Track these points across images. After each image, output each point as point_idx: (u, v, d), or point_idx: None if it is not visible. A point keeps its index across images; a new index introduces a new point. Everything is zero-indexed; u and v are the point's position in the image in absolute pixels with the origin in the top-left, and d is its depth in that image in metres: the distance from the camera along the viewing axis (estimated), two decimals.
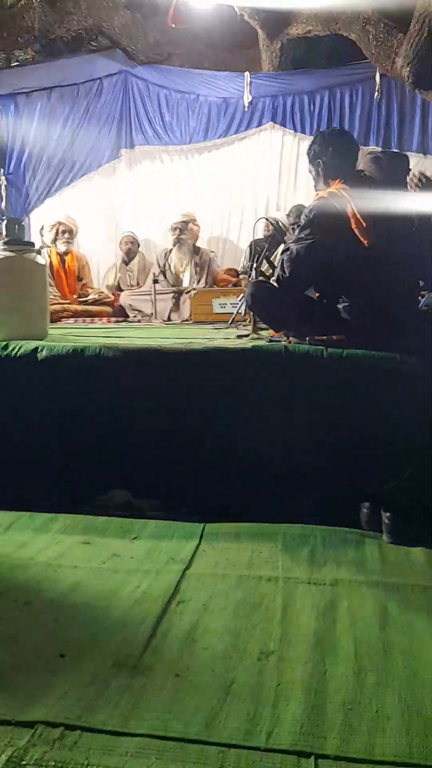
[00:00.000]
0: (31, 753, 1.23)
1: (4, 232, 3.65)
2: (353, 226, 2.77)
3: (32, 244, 3.45)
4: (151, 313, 5.66)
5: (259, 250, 4.03)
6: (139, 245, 6.63)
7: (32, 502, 2.74)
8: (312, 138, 3.08)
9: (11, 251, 3.25)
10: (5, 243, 3.31)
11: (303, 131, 6.22)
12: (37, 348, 2.91)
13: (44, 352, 2.89)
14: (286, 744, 1.27)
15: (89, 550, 2.29)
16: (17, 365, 2.90)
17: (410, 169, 3.28)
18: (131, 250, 6.57)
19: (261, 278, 3.62)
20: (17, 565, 2.15)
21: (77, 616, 1.79)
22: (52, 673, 1.51)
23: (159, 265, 6.20)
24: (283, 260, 2.90)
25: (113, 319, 5.77)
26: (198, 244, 6.32)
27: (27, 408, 2.90)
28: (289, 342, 2.91)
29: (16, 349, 2.93)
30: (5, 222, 3.54)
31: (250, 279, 3.60)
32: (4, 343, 2.96)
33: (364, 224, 2.76)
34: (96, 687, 1.45)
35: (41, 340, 3.10)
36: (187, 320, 5.53)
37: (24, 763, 1.21)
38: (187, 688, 1.45)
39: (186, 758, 1.23)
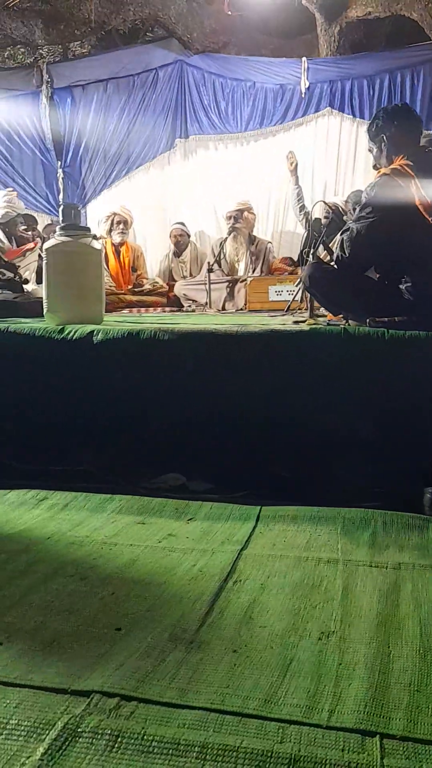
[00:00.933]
0: (87, 721, 1.21)
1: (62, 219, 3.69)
2: (417, 203, 2.68)
3: (88, 229, 3.46)
4: (206, 303, 5.64)
5: (316, 235, 3.94)
6: (189, 236, 6.61)
7: (87, 483, 2.74)
8: (374, 116, 3.00)
9: (68, 236, 3.27)
10: (62, 228, 3.33)
11: (362, 116, 6.08)
12: (93, 331, 2.91)
13: (100, 336, 2.89)
14: (350, 723, 1.21)
15: (144, 529, 2.27)
16: (73, 349, 2.91)
17: None
18: (180, 242, 6.56)
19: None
20: (73, 542, 2.14)
21: (133, 591, 1.76)
22: (109, 644, 1.48)
23: (214, 255, 6.17)
24: (342, 240, 2.83)
25: (167, 309, 5.77)
26: (254, 232, 6.26)
27: (83, 391, 2.91)
28: (349, 325, 2.83)
29: (72, 333, 2.94)
30: (62, 207, 3.56)
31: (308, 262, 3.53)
32: (61, 327, 2.98)
33: (429, 201, 2.66)
34: (152, 660, 1.42)
35: (97, 324, 3.10)
36: (242, 309, 5.49)
37: (80, 730, 1.18)
38: (245, 664, 1.41)
39: (245, 733, 1.18)
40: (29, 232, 5.57)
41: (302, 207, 6.05)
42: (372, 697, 1.29)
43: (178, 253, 6.60)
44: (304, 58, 6.23)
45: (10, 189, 5.84)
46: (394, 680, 1.35)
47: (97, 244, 3.33)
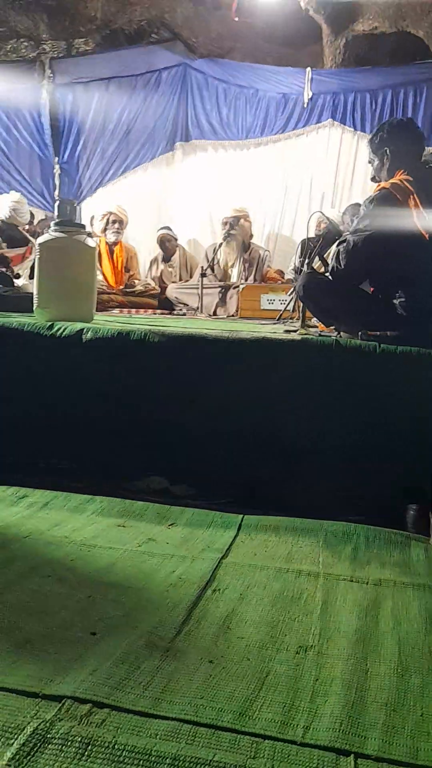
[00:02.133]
0: (57, 727, 1.18)
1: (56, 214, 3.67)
2: (415, 218, 2.68)
3: (83, 226, 3.44)
4: (197, 307, 5.62)
5: (312, 247, 3.94)
6: (176, 240, 6.59)
7: (68, 482, 2.71)
8: (376, 128, 3.00)
9: (62, 232, 3.24)
10: (56, 224, 3.30)
11: (363, 129, 6.10)
12: (82, 330, 2.88)
13: (89, 334, 2.86)
14: (325, 740, 1.19)
15: (125, 532, 2.25)
16: (62, 346, 2.88)
17: None
18: (167, 246, 6.54)
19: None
20: (51, 542, 2.11)
21: (110, 595, 1.74)
22: (83, 649, 1.46)
23: (208, 259, 6.15)
24: (339, 251, 2.82)
25: (158, 311, 5.74)
26: (250, 240, 6.25)
27: (69, 389, 2.88)
28: (340, 337, 2.83)
29: (61, 330, 2.91)
30: (58, 203, 3.54)
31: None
32: (50, 323, 2.95)
33: (427, 217, 2.67)
34: (127, 666, 1.39)
35: (87, 322, 3.08)
36: (233, 316, 5.47)
37: (49, 737, 1.15)
38: (221, 675, 1.39)
39: (218, 746, 1.16)
40: (27, 226, 5.55)
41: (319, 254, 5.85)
42: (348, 715, 1.27)
43: (167, 258, 6.58)
44: (308, 69, 6.24)
45: (20, 194, 5.81)
46: (370, 698, 1.33)
47: (91, 242, 3.30)
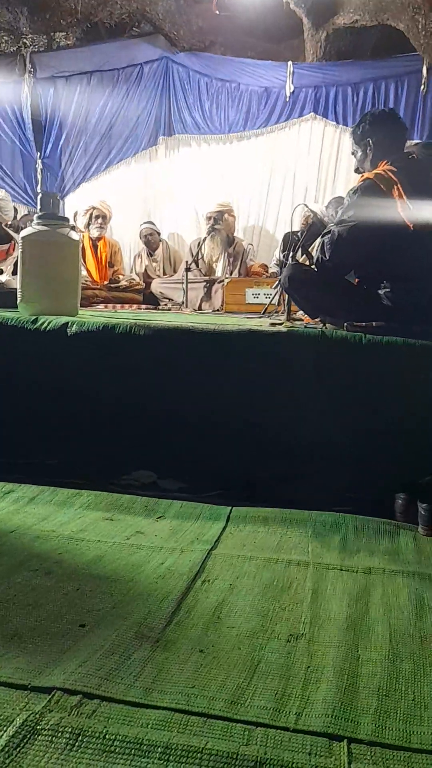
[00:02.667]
0: (47, 718, 1.17)
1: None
2: (399, 208, 2.68)
3: (66, 219, 3.40)
4: (183, 302, 5.59)
5: (296, 240, 3.93)
6: (160, 234, 6.56)
7: (57, 477, 2.69)
8: (359, 119, 2.99)
9: (45, 225, 3.21)
10: (39, 217, 3.27)
11: (345, 123, 6.08)
12: (67, 323, 2.86)
13: (74, 328, 2.84)
14: (317, 726, 1.19)
15: (113, 526, 2.23)
16: (46, 340, 2.86)
17: None
18: (151, 241, 6.51)
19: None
20: (38, 536, 2.10)
21: (99, 587, 1.72)
22: (72, 641, 1.44)
23: (192, 254, 6.13)
24: (323, 243, 2.81)
25: (143, 306, 5.72)
26: (234, 234, 6.24)
27: (55, 384, 2.86)
28: (326, 328, 2.82)
29: (46, 324, 2.88)
30: (40, 196, 3.49)
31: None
32: (34, 317, 2.92)
33: (411, 207, 2.66)
34: (116, 657, 1.38)
35: (72, 316, 3.05)
36: (218, 310, 5.45)
37: (39, 728, 1.14)
38: (212, 665, 1.38)
39: (210, 734, 1.15)
40: (11, 222, 5.49)
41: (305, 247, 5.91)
42: (340, 701, 1.26)
43: (150, 252, 6.55)
44: (290, 62, 6.22)
45: (3, 191, 5.74)
46: (362, 685, 1.33)
47: (75, 235, 3.27)
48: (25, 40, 6.56)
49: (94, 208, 6.09)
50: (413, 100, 6.04)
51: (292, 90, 6.22)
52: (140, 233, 6.53)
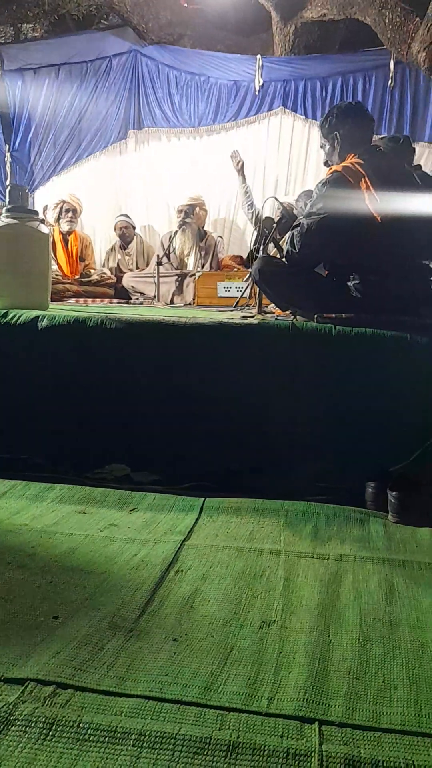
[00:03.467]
0: (21, 709, 1.17)
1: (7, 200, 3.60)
2: (366, 200, 2.71)
3: (36, 213, 3.38)
4: (154, 296, 5.58)
5: (267, 232, 3.94)
6: (134, 228, 6.54)
7: (28, 471, 2.67)
8: (327, 112, 3.01)
9: (14, 218, 3.18)
10: (8, 210, 3.24)
11: (314, 117, 6.11)
12: (37, 317, 2.84)
13: (45, 321, 2.82)
14: (289, 710, 1.21)
15: (86, 519, 2.23)
16: (17, 334, 2.84)
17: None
18: (125, 234, 6.48)
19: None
20: (11, 530, 2.09)
21: (72, 579, 1.73)
22: (45, 633, 1.44)
23: (163, 248, 6.12)
24: (293, 235, 2.83)
25: (115, 300, 5.70)
26: (205, 227, 6.24)
27: (25, 377, 2.84)
28: (296, 320, 2.84)
29: (16, 318, 2.86)
30: (9, 188, 3.47)
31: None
32: (4, 311, 2.90)
33: (378, 199, 2.69)
34: (90, 648, 1.39)
35: (42, 310, 3.03)
36: (190, 304, 5.45)
37: (12, 719, 1.14)
38: (185, 653, 1.39)
39: (183, 720, 1.17)
40: None
41: (251, 205, 6.06)
42: (312, 685, 1.28)
43: (124, 246, 6.53)
44: (258, 56, 6.23)
45: None
46: (333, 668, 1.35)
47: (44, 228, 3.25)
48: None
49: (63, 201, 6.04)
50: (381, 94, 6.10)
51: (261, 84, 6.23)
52: (115, 226, 6.50)
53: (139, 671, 1.31)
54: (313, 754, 1.09)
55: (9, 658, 1.33)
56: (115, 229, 6.50)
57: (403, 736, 1.15)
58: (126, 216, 6.50)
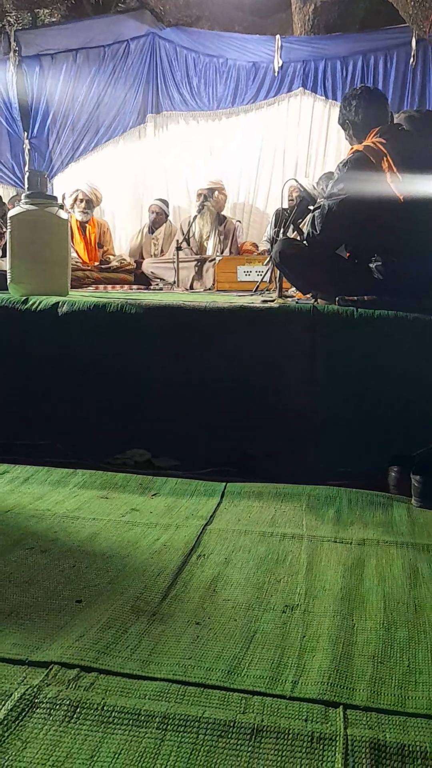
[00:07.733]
0: (45, 692, 1.17)
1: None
2: (389, 180, 2.66)
3: (55, 198, 3.37)
4: (174, 281, 5.56)
5: (287, 217, 3.90)
6: (167, 215, 6.50)
7: (51, 457, 2.69)
8: (347, 93, 2.97)
9: (33, 204, 3.18)
10: (27, 196, 3.24)
11: (334, 98, 6.03)
12: (57, 303, 2.84)
13: (65, 308, 2.82)
14: (313, 693, 1.20)
15: (108, 504, 2.23)
16: (37, 320, 2.84)
17: None
18: (157, 219, 6.45)
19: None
20: (34, 515, 2.10)
21: (94, 564, 1.73)
22: (69, 616, 1.45)
23: (183, 233, 6.09)
24: (314, 217, 2.80)
25: (135, 286, 5.69)
26: (224, 212, 6.20)
27: (46, 363, 2.85)
28: (318, 303, 2.81)
29: (36, 304, 2.87)
30: (28, 174, 3.46)
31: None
32: (24, 297, 2.90)
33: (401, 179, 2.65)
34: (113, 631, 1.39)
35: (62, 296, 3.04)
36: (210, 289, 5.43)
37: (37, 701, 1.15)
38: (208, 636, 1.39)
39: (207, 703, 1.16)
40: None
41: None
42: (335, 669, 1.27)
43: (152, 230, 6.50)
44: (277, 36, 6.15)
45: None
46: (357, 652, 1.34)
47: (63, 214, 3.24)
48: (9, 18, 6.46)
49: (79, 190, 6.00)
50: (402, 72, 5.99)
51: (280, 65, 6.16)
52: (149, 208, 6.46)
53: (162, 654, 1.31)
54: (338, 738, 1.08)
55: (33, 642, 1.34)
56: (149, 211, 6.46)
57: (429, 720, 1.14)
58: (162, 200, 6.45)
